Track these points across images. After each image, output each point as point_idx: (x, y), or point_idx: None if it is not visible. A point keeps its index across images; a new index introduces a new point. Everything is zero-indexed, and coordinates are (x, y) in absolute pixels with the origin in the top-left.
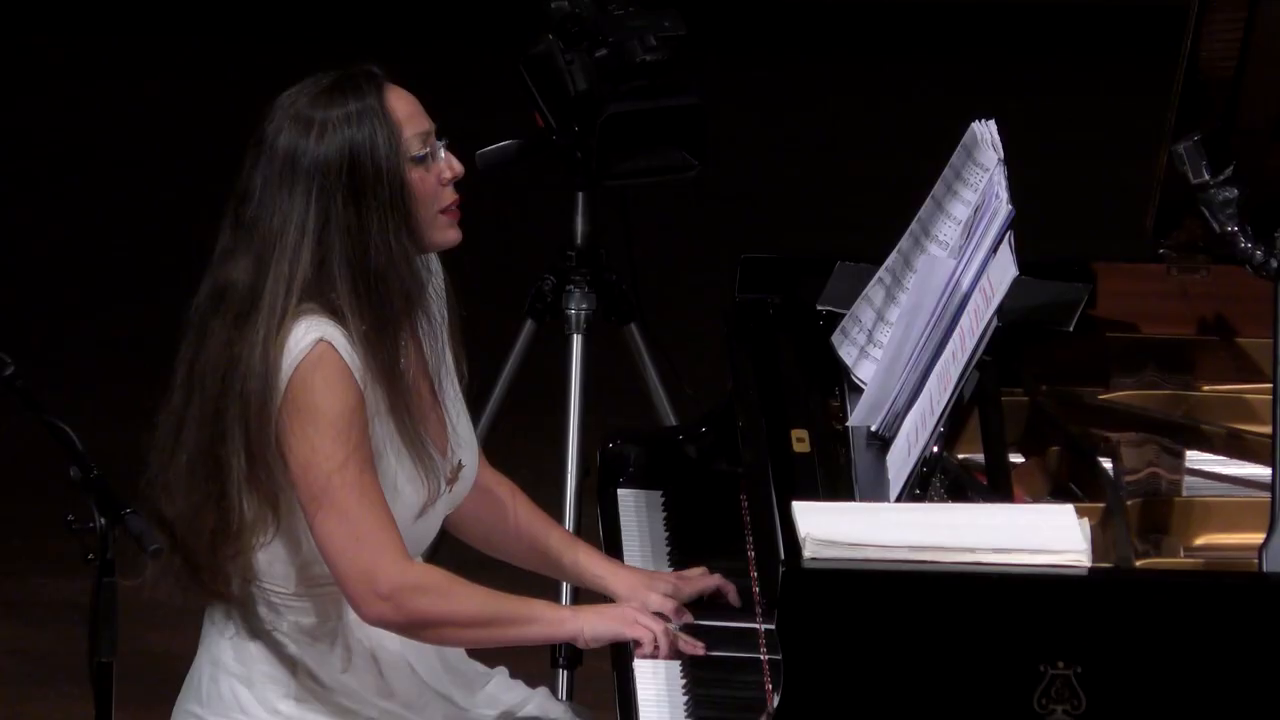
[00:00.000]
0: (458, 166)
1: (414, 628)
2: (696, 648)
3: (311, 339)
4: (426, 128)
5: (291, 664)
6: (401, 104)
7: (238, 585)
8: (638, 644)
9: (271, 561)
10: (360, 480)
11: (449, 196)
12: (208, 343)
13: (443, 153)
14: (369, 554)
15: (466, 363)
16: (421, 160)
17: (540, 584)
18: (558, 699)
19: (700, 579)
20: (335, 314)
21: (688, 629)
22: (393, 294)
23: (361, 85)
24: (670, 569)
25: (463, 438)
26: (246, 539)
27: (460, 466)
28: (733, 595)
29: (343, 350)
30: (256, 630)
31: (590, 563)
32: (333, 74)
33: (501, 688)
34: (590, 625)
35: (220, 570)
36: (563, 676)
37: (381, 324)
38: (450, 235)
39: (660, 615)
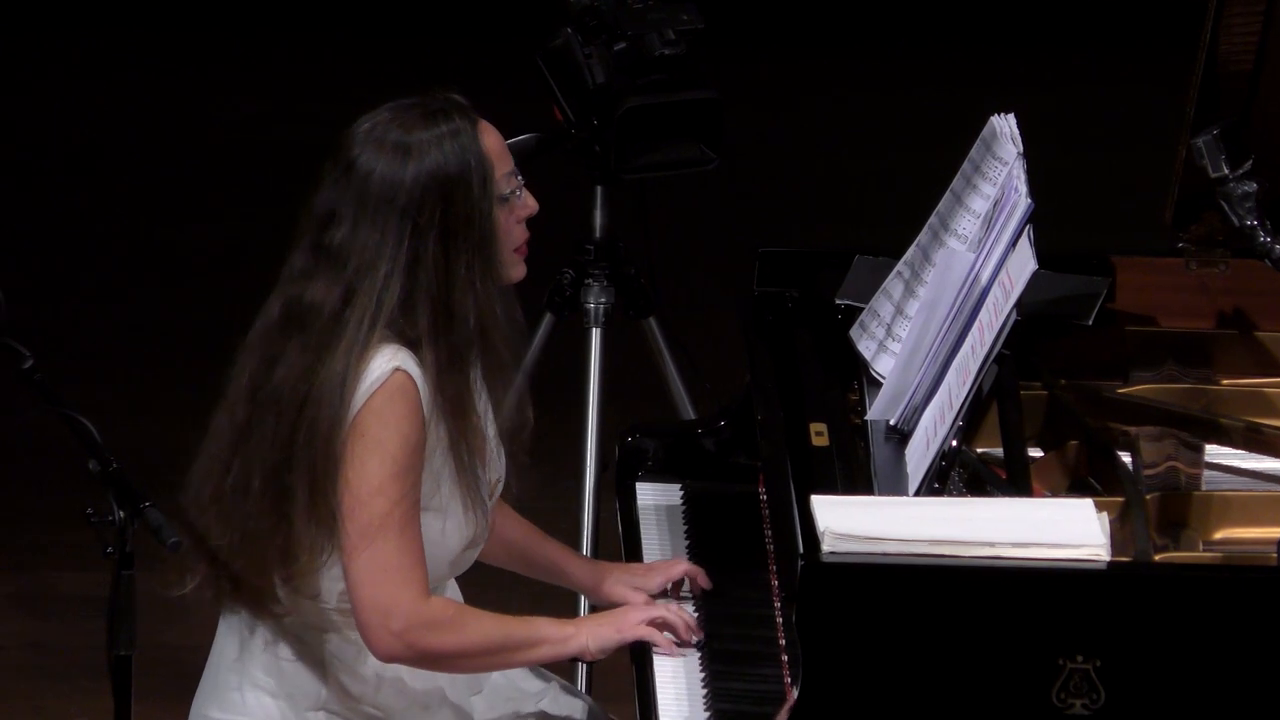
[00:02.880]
0: (533, 204)
1: (424, 662)
2: (695, 632)
3: (389, 368)
4: (511, 166)
5: (323, 677)
6: (492, 141)
7: (285, 601)
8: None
9: (321, 580)
10: (408, 519)
11: (523, 234)
12: (282, 364)
13: (522, 191)
14: (392, 588)
15: (531, 406)
16: (506, 200)
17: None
18: (575, 691)
19: (667, 568)
20: (411, 345)
21: (706, 619)
22: (470, 331)
23: (453, 113)
24: (688, 562)
25: (497, 459)
26: (304, 563)
27: (498, 482)
28: (703, 580)
29: (418, 382)
30: (289, 644)
31: (558, 558)
32: (417, 99)
33: (513, 675)
34: (594, 638)
35: (269, 589)
36: (582, 670)
37: (455, 359)
38: (519, 271)
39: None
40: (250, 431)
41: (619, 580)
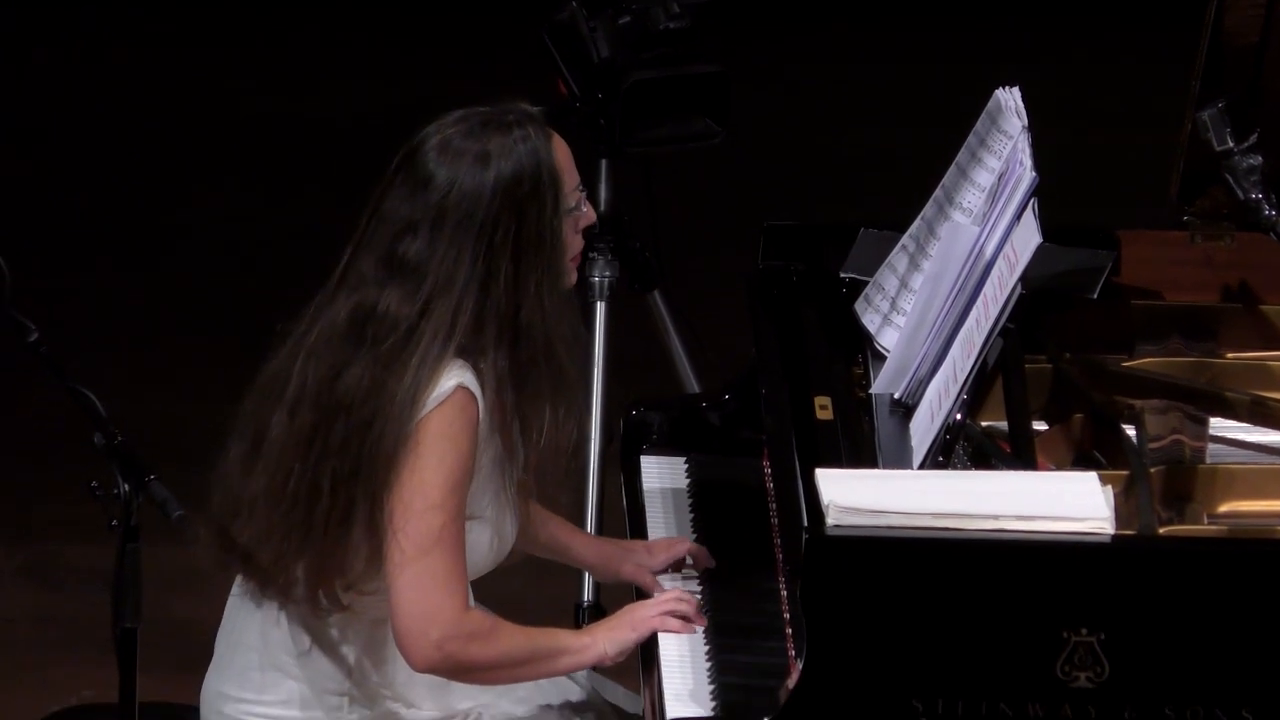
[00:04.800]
0: (593, 216)
1: (458, 673)
2: (700, 621)
3: (452, 385)
4: (578, 180)
5: (350, 664)
6: (563, 155)
7: (345, 601)
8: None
9: (378, 579)
10: (458, 533)
11: (579, 244)
12: (350, 373)
13: (585, 204)
14: (437, 599)
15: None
16: (570, 213)
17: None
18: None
19: (670, 546)
20: (473, 359)
21: (711, 593)
22: (537, 347)
23: (526, 123)
24: (693, 536)
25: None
26: (359, 572)
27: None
28: (705, 558)
29: (478, 398)
30: (317, 633)
31: (564, 536)
32: (488, 109)
33: None
34: (611, 642)
35: (331, 593)
36: None
37: (516, 374)
38: (571, 279)
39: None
40: (316, 438)
41: (625, 559)
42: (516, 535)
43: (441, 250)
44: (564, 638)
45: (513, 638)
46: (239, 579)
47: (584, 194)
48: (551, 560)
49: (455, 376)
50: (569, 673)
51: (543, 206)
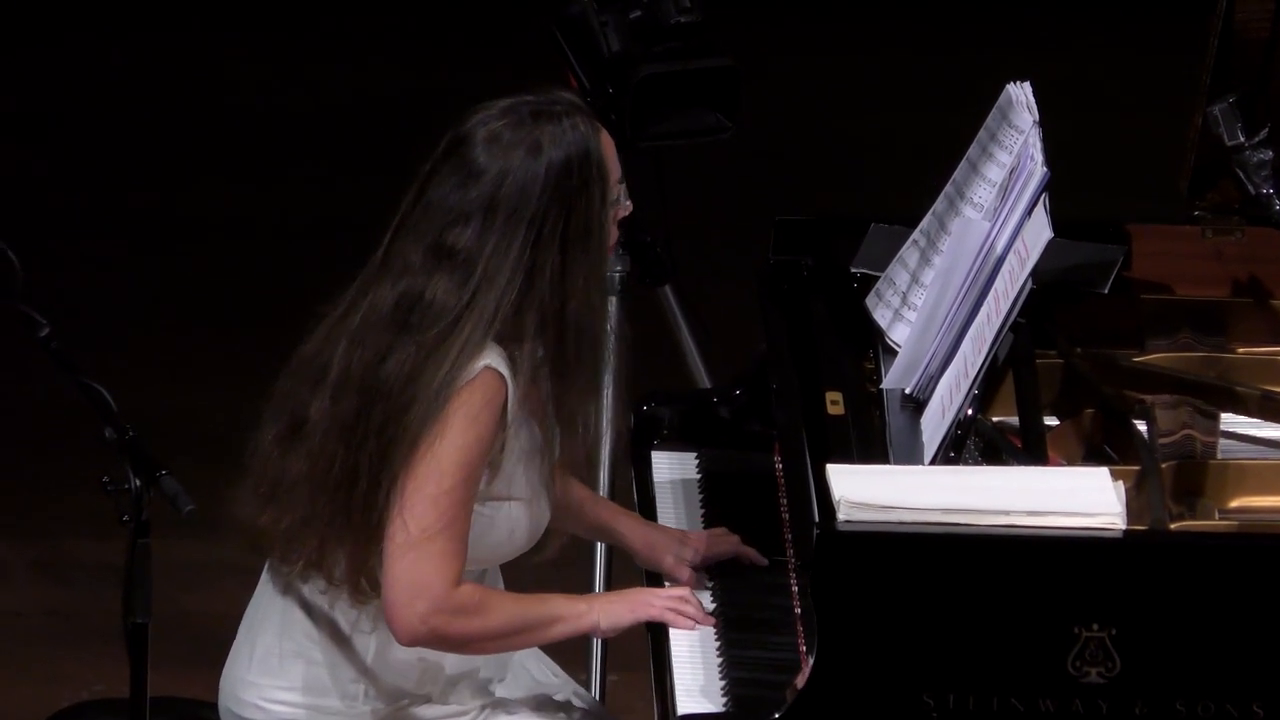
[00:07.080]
0: (630, 206)
1: (444, 645)
2: (704, 621)
3: (480, 365)
4: (620, 172)
5: (368, 658)
6: (609, 147)
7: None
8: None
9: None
10: (465, 518)
11: (615, 235)
12: (393, 360)
13: (625, 195)
14: (429, 574)
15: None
16: (615, 205)
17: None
18: (586, 697)
19: (715, 545)
20: (510, 347)
21: (721, 588)
22: (584, 341)
23: (575, 114)
24: (738, 540)
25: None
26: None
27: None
28: (753, 559)
29: (508, 382)
30: (341, 619)
31: (611, 520)
32: (534, 98)
33: (532, 669)
34: (607, 615)
35: (372, 577)
36: (597, 644)
37: (558, 366)
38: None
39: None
40: (358, 424)
41: (667, 550)
42: (550, 517)
43: (492, 242)
44: (558, 605)
45: (503, 610)
46: (269, 565)
47: (624, 186)
48: (565, 557)
49: (485, 358)
50: (563, 639)
51: (590, 199)
